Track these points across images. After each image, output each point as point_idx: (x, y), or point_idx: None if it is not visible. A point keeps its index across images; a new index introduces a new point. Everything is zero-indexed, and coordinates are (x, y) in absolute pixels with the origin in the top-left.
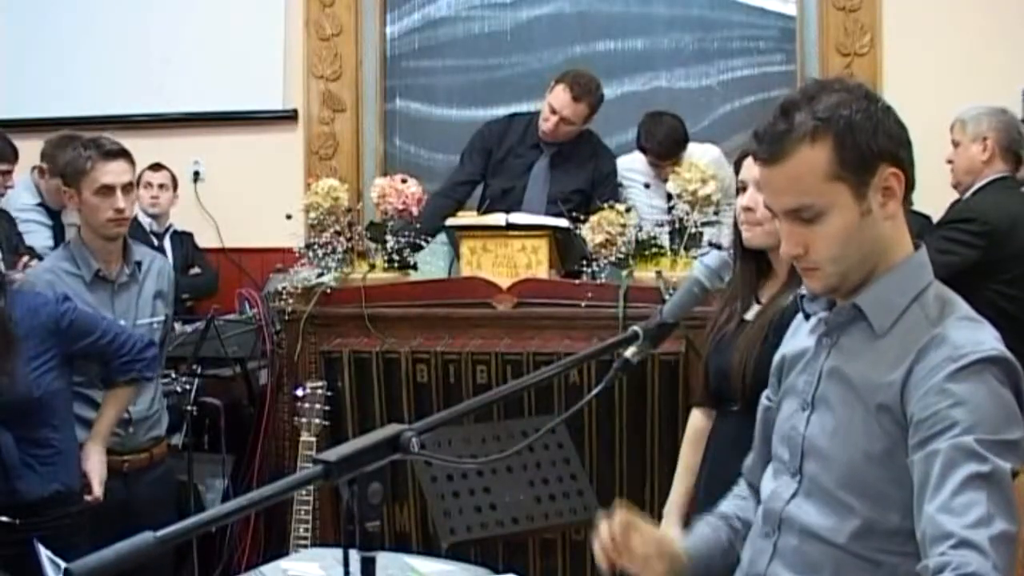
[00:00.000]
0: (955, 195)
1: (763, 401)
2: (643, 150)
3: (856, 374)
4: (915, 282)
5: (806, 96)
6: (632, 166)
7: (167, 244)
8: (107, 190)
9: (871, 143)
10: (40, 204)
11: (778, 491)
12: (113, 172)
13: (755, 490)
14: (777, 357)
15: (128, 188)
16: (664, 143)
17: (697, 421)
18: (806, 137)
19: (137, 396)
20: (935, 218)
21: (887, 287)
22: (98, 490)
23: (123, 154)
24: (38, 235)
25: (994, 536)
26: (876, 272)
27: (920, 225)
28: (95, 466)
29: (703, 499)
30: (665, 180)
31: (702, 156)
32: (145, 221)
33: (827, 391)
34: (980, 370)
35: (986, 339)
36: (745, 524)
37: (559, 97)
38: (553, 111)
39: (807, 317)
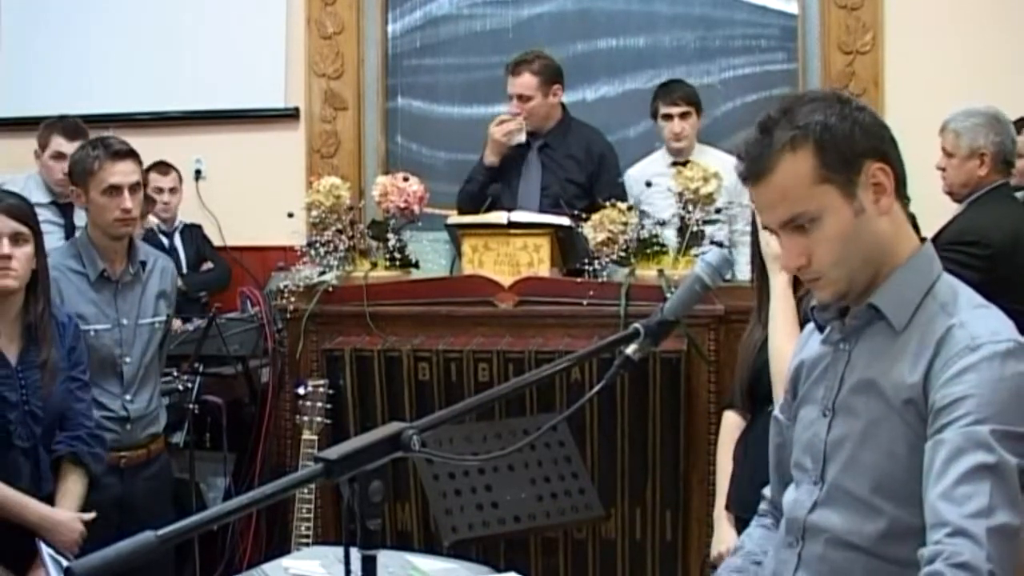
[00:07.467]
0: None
1: (777, 416)
2: (655, 114)
3: (879, 374)
4: (926, 275)
5: (781, 111)
6: (642, 172)
7: (178, 242)
8: (114, 190)
9: (851, 142)
10: (52, 202)
11: (800, 500)
12: (121, 172)
13: (779, 510)
14: (793, 364)
15: (135, 188)
16: (679, 91)
17: (732, 423)
18: (786, 147)
19: (82, 487)
20: (932, 219)
21: (900, 283)
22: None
23: (131, 154)
24: (51, 236)
25: (993, 528)
26: (883, 271)
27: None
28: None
29: (744, 498)
30: (673, 151)
31: (722, 165)
32: (153, 221)
33: (850, 397)
34: (997, 361)
35: (1002, 329)
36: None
37: (508, 83)
38: (511, 97)
39: (821, 329)
